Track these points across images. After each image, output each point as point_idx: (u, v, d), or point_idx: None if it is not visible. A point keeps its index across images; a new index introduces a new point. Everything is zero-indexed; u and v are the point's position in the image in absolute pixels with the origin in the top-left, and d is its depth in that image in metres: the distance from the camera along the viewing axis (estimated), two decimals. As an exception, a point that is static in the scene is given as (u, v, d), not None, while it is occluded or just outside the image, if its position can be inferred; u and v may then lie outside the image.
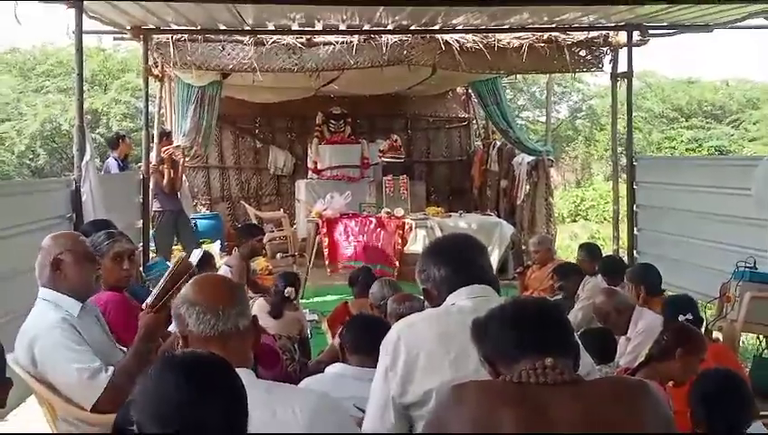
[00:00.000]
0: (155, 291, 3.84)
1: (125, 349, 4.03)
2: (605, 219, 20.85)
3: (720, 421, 3.06)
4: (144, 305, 3.79)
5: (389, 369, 2.81)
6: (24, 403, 5.18)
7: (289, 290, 6.51)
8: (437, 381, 2.69)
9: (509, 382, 2.28)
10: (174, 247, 10.94)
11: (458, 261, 3.03)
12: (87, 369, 3.64)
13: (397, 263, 10.81)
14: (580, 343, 2.55)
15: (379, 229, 11.01)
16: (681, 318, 5.02)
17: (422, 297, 5.48)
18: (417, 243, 10.91)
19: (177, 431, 1.81)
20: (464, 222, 11.40)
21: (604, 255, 8.76)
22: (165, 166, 10.41)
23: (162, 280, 3.86)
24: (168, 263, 7.50)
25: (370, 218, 11.23)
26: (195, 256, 5.22)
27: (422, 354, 2.77)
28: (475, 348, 2.50)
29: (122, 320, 4.38)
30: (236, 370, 2.25)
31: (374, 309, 5.94)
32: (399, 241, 10.92)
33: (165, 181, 10.36)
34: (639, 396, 2.28)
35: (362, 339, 4.00)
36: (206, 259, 6.83)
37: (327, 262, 10.93)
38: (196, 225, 12.05)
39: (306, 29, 9.79)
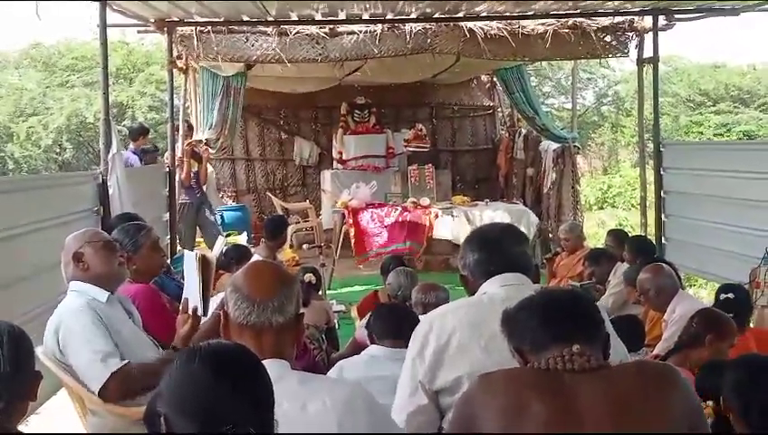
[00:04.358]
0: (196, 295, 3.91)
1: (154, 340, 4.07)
2: (632, 206, 20.69)
3: (754, 408, 3.00)
4: (186, 308, 3.80)
5: (416, 357, 2.84)
6: (54, 396, 5.21)
7: (308, 276, 6.56)
8: (468, 367, 2.71)
9: (537, 370, 2.31)
10: (199, 240, 10.99)
11: (493, 247, 3.03)
12: (100, 351, 3.68)
13: (425, 242, 10.81)
14: (611, 331, 2.54)
15: (406, 213, 11.00)
16: (722, 296, 5.07)
17: (447, 287, 5.53)
18: (443, 229, 10.90)
19: (201, 424, 1.81)
20: (490, 211, 11.34)
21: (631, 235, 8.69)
22: (185, 158, 10.46)
23: (194, 283, 3.91)
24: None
25: (396, 208, 11.22)
26: (218, 246, 5.27)
27: (452, 343, 2.79)
28: (505, 340, 2.51)
29: (150, 311, 4.40)
30: (270, 361, 2.28)
31: (391, 300, 5.96)
32: (428, 223, 10.89)
33: (184, 174, 10.41)
34: (666, 381, 2.31)
35: (389, 325, 4.10)
36: (244, 254, 6.87)
37: (354, 253, 10.94)
38: (222, 217, 12.08)
39: (329, 19, 9.76)
